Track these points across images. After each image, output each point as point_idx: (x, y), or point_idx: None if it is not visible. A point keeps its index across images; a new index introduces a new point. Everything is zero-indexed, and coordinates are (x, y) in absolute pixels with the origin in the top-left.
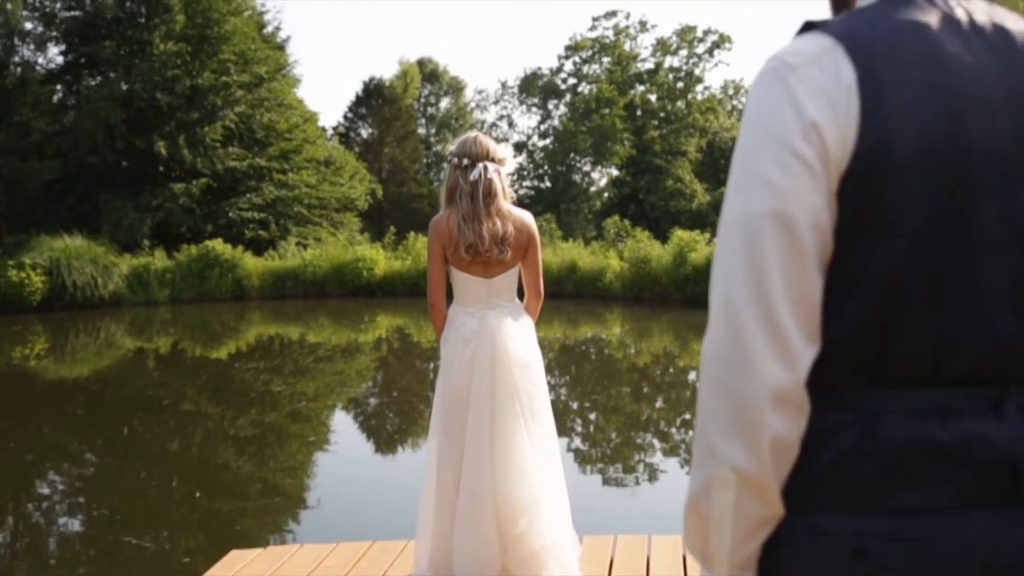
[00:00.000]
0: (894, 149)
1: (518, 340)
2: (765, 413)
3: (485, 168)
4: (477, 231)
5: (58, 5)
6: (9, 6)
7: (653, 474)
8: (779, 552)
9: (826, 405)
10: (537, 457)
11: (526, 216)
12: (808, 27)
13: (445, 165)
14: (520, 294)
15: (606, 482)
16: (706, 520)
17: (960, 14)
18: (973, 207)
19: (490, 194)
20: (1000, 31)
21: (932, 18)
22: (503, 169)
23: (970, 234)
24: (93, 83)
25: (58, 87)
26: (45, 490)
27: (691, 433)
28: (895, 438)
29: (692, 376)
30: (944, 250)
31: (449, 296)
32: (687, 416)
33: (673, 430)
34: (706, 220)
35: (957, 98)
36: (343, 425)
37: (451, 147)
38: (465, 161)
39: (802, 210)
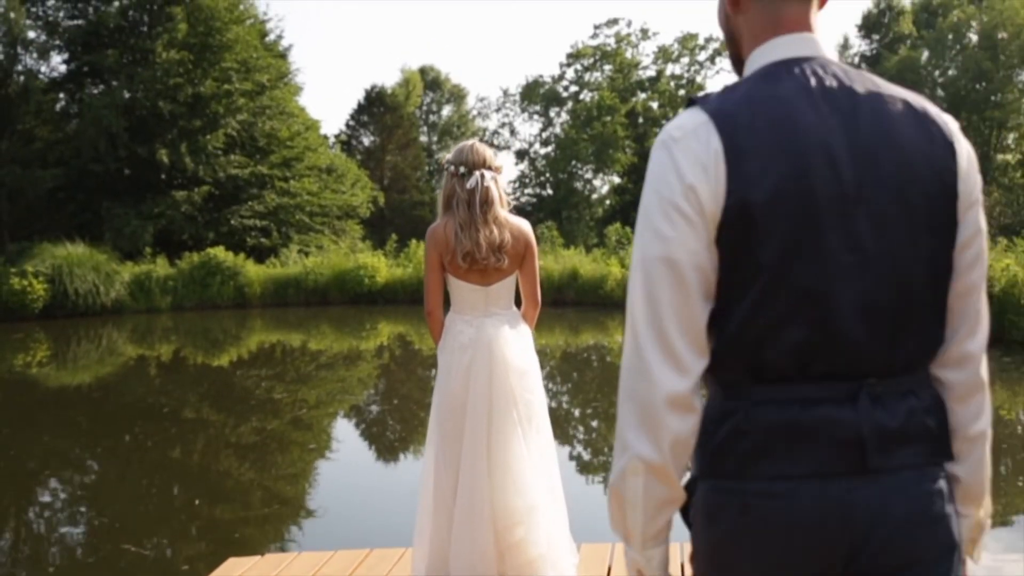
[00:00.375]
0: (753, 203)
1: (515, 348)
2: (663, 414)
3: (482, 176)
4: (474, 239)
5: (61, 14)
6: (13, 15)
7: None
8: (694, 507)
9: (722, 397)
10: (534, 465)
11: (523, 224)
12: (691, 103)
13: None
14: (518, 302)
15: (607, 490)
16: (622, 502)
17: (813, 83)
18: (823, 241)
19: (487, 202)
20: (848, 93)
21: (788, 90)
22: (500, 177)
23: (823, 263)
24: (96, 91)
25: (61, 95)
26: (46, 497)
27: None
28: (768, 422)
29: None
30: (802, 278)
31: (446, 304)
32: None
33: None
34: None
35: (804, 156)
36: (344, 433)
37: (448, 155)
38: (462, 169)
39: (685, 255)
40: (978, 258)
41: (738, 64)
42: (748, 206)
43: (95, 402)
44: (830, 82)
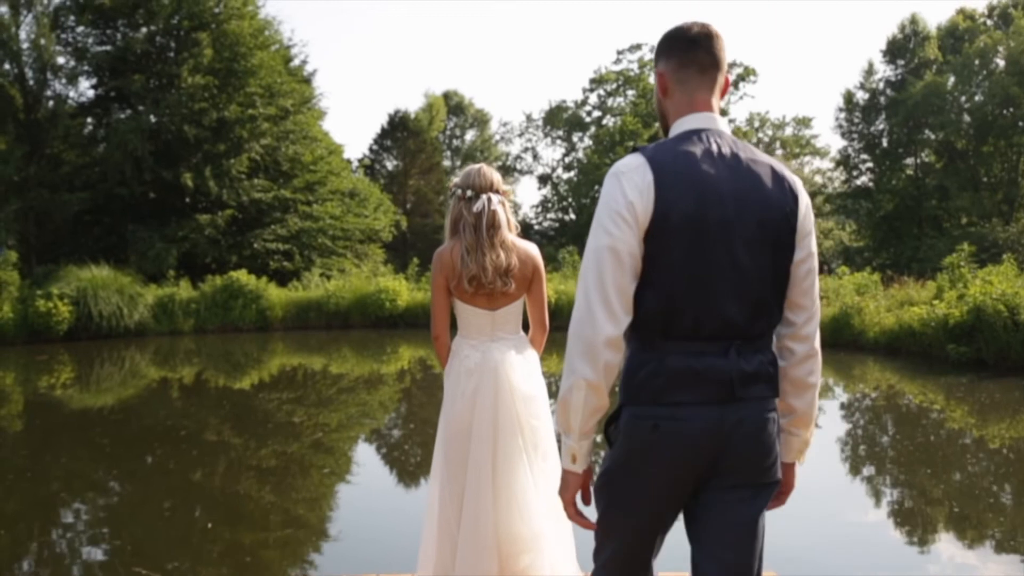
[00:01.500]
0: (668, 219)
1: (521, 373)
2: (601, 349)
3: (489, 199)
4: (480, 263)
5: (90, 40)
6: (43, 41)
7: None
8: (617, 427)
9: (643, 349)
10: (540, 492)
11: (531, 248)
12: (634, 150)
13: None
14: (525, 327)
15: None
16: (568, 408)
17: (712, 147)
18: (710, 251)
19: (494, 225)
20: (734, 155)
21: (697, 150)
22: (507, 201)
23: (709, 265)
24: (123, 116)
25: (89, 120)
26: (69, 519)
27: None
28: (673, 367)
29: None
30: (697, 272)
31: (453, 328)
32: None
33: None
34: None
35: (703, 194)
36: (365, 456)
37: (455, 178)
38: (469, 192)
39: (624, 246)
40: (810, 271)
41: (665, 129)
42: (666, 221)
43: (117, 424)
44: (723, 148)
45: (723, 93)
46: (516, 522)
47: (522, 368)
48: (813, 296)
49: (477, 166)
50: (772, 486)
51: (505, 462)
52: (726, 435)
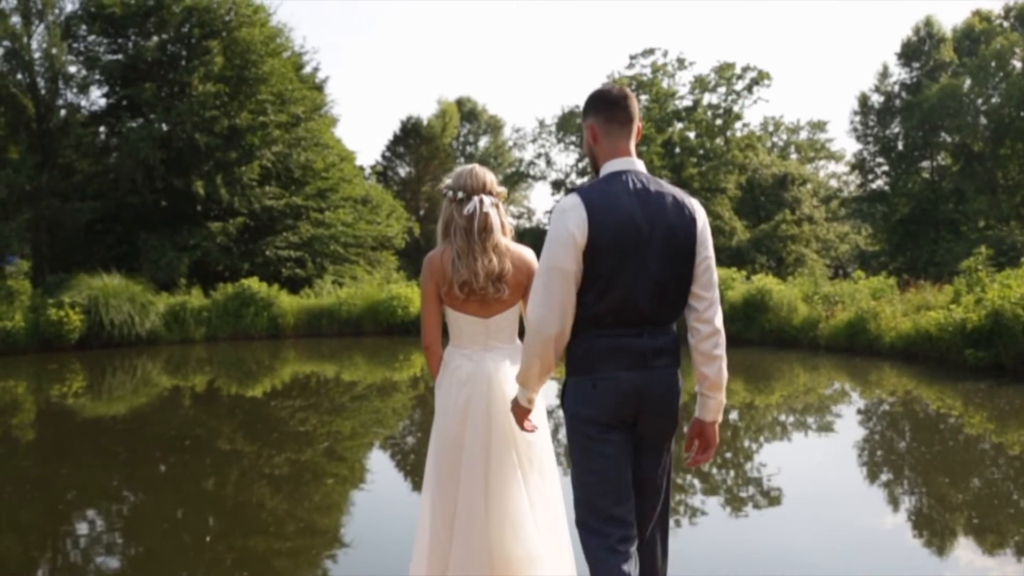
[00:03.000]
0: (599, 244)
1: (515, 385)
2: (553, 340)
3: (481, 201)
4: (472, 268)
5: (101, 49)
6: (54, 51)
7: (693, 515)
8: (565, 390)
9: (582, 336)
10: (537, 510)
11: (526, 252)
12: (571, 191)
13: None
14: (522, 335)
15: (519, 375)
16: (529, 378)
17: (631, 185)
18: (628, 264)
19: (486, 229)
20: (646, 190)
21: (619, 187)
22: (502, 203)
23: (628, 274)
24: (134, 124)
25: (101, 129)
26: (83, 527)
27: (732, 473)
28: (604, 345)
29: (733, 416)
30: (620, 280)
31: (446, 337)
32: (728, 455)
33: (713, 470)
34: (746, 257)
35: (623, 222)
36: (379, 464)
37: (447, 180)
38: (460, 194)
39: (569, 266)
40: (707, 268)
41: (596, 168)
42: (597, 245)
43: (130, 432)
44: (639, 184)
45: (637, 137)
46: (510, 541)
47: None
48: (711, 288)
49: (469, 167)
50: (672, 432)
51: (499, 478)
52: (644, 393)
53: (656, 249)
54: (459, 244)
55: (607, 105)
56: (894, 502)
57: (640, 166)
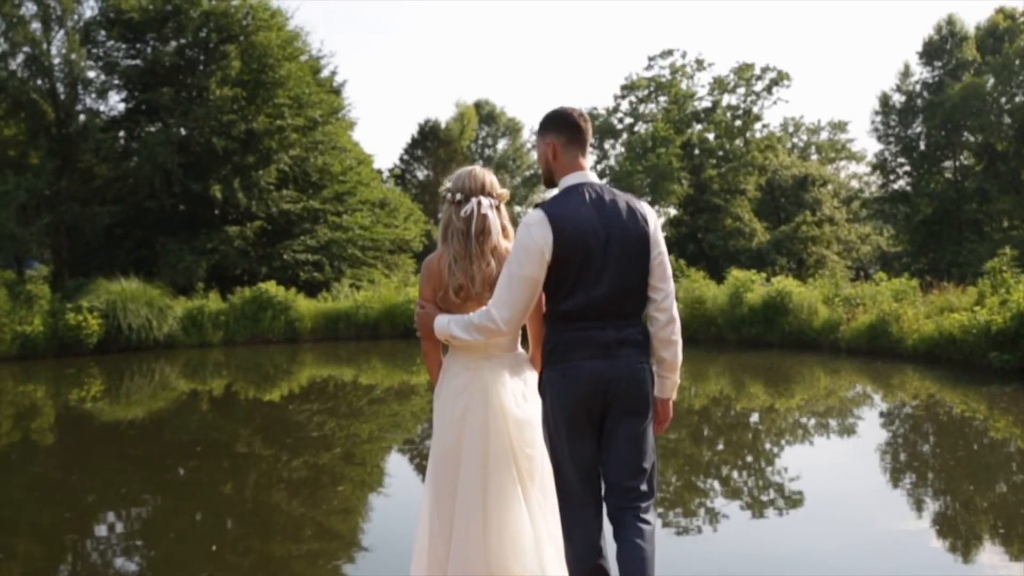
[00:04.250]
0: (564, 252)
1: (515, 396)
2: (503, 334)
3: (479, 203)
4: (468, 272)
5: (119, 54)
6: (74, 56)
7: (713, 517)
8: (541, 381)
9: (552, 331)
10: (539, 526)
11: None
12: (538, 206)
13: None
14: (524, 343)
15: (667, 526)
16: (460, 339)
17: (587, 196)
18: (591, 266)
19: (483, 231)
20: (602, 199)
21: (577, 200)
22: (503, 205)
23: (591, 275)
24: (152, 129)
25: (120, 134)
26: (102, 531)
27: (753, 476)
28: (571, 338)
29: (754, 419)
30: (584, 282)
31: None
32: (748, 459)
33: (734, 473)
34: (766, 259)
35: (584, 231)
36: (397, 467)
37: (447, 181)
38: (458, 196)
39: (535, 274)
40: (660, 263)
41: (552, 181)
42: (562, 253)
43: (148, 436)
44: (595, 195)
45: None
46: (509, 561)
47: (516, 390)
48: (666, 280)
49: (469, 168)
50: (646, 415)
51: (497, 493)
52: (609, 379)
53: (614, 251)
54: (456, 247)
55: (569, 127)
56: (917, 506)
57: (594, 178)
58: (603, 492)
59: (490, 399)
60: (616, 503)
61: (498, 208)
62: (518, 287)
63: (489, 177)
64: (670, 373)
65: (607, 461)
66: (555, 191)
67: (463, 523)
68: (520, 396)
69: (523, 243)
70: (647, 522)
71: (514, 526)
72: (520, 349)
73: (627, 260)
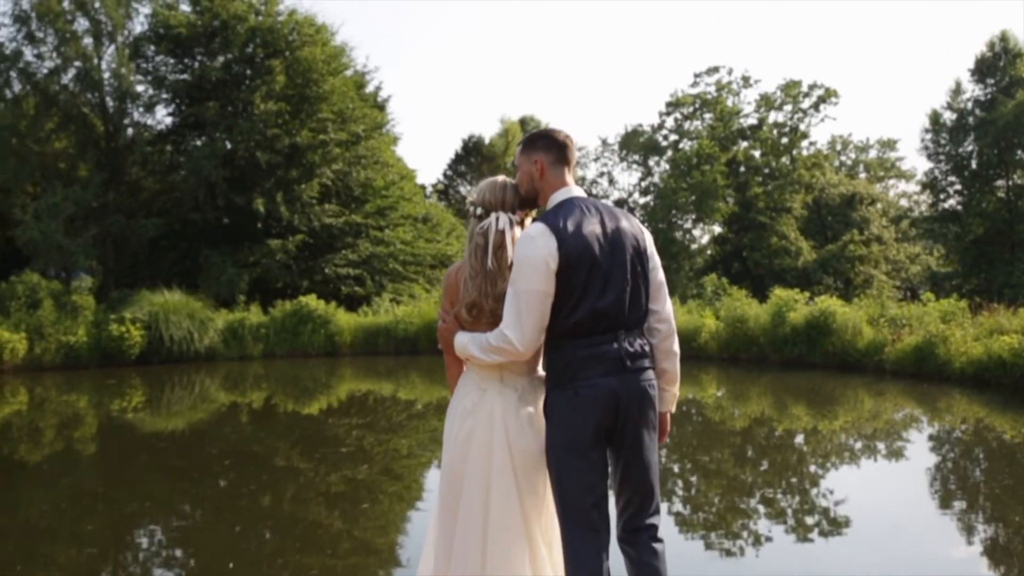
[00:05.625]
0: (570, 264)
1: (522, 426)
2: (520, 355)
3: (497, 219)
4: (482, 289)
5: (167, 69)
6: (123, 70)
7: (757, 540)
8: (548, 402)
9: (560, 347)
10: (538, 559)
11: None
12: (536, 219)
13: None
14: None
15: (709, 548)
16: (477, 359)
17: (586, 210)
18: (595, 278)
19: (501, 248)
20: (600, 213)
21: (577, 213)
22: (528, 220)
23: (596, 286)
24: (198, 143)
25: (167, 147)
26: (143, 541)
27: (796, 499)
28: (580, 354)
29: (797, 440)
30: (591, 294)
31: None
32: (792, 481)
33: (778, 495)
34: (812, 278)
35: (588, 243)
36: (436, 483)
37: (472, 192)
38: (479, 210)
39: (544, 287)
40: (656, 277)
41: (540, 197)
42: (568, 265)
43: (189, 448)
44: (591, 208)
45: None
46: None
47: (524, 416)
48: (664, 292)
49: (493, 179)
50: (655, 432)
51: (498, 531)
52: (622, 396)
53: (618, 257)
54: (472, 263)
55: (557, 147)
56: (966, 533)
57: (582, 193)
58: (614, 514)
59: (494, 425)
60: (630, 525)
61: (521, 223)
62: (528, 303)
63: (513, 191)
64: (671, 385)
65: (620, 483)
66: (550, 205)
67: (462, 548)
68: (527, 422)
69: (527, 256)
70: (660, 540)
71: (515, 557)
72: (540, 372)
73: (629, 270)
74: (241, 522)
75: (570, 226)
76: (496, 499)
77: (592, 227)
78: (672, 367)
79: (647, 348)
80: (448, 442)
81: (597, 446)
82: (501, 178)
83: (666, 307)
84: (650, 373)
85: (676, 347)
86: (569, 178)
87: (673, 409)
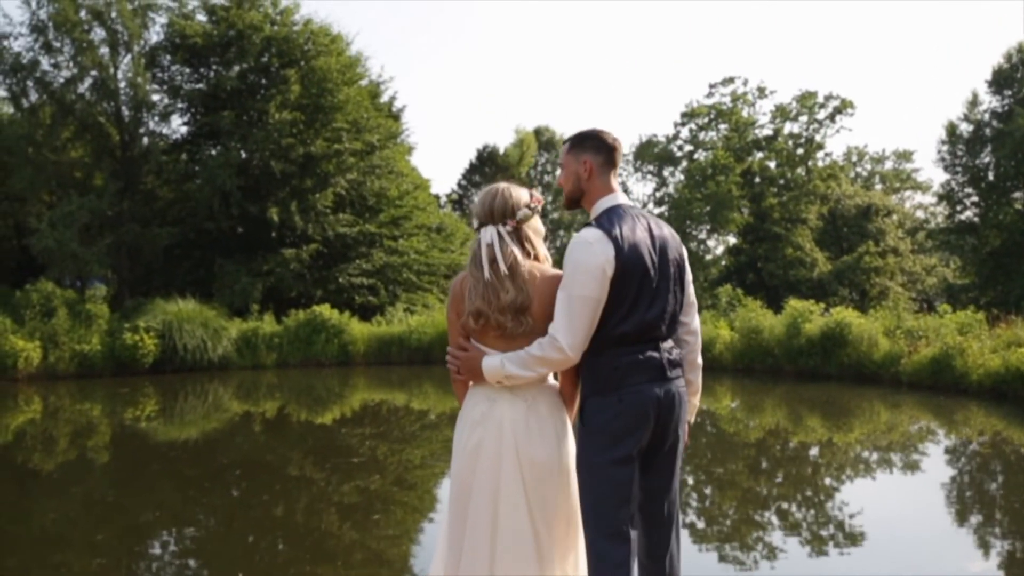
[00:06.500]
0: (624, 272)
1: (532, 436)
2: (569, 363)
3: (487, 231)
4: (486, 297)
5: (183, 78)
6: (139, 79)
7: (771, 553)
8: (586, 410)
9: (607, 352)
10: (548, 572)
11: (556, 278)
12: (588, 225)
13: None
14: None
15: (723, 560)
16: (526, 378)
17: (635, 218)
18: (646, 287)
19: (493, 262)
20: (647, 221)
21: (629, 221)
22: (527, 227)
23: (645, 296)
24: (213, 152)
25: (182, 156)
26: (156, 550)
27: (812, 512)
28: (625, 361)
29: (812, 452)
30: (640, 302)
31: None
32: (807, 493)
33: (792, 507)
34: (828, 289)
35: (639, 252)
36: (449, 494)
37: (475, 199)
38: (475, 222)
39: (599, 294)
40: (689, 287)
41: (581, 199)
42: (623, 273)
43: (202, 457)
44: (639, 217)
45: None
46: None
47: (535, 429)
48: (695, 304)
49: (487, 189)
50: (682, 440)
51: (506, 541)
52: (663, 404)
53: (665, 272)
54: (472, 272)
55: (607, 148)
56: (983, 547)
57: (628, 200)
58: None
59: (503, 438)
60: (653, 534)
61: (515, 230)
62: (580, 309)
63: (500, 201)
64: (693, 396)
65: (647, 491)
66: (598, 210)
67: (470, 558)
68: (536, 432)
69: (583, 262)
70: (678, 547)
71: (524, 568)
72: (552, 381)
73: (674, 281)
74: (253, 532)
75: (625, 235)
76: (504, 509)
77: (643, 237)
78: (696, 379)
79: (681, 357)
80: (457, 452)
81: (635, 453)
82: (496, 186)
83: (695, 319)
84: (683, 381)
85: (700, 358)
86: (615, 183)
87: (693, 419)
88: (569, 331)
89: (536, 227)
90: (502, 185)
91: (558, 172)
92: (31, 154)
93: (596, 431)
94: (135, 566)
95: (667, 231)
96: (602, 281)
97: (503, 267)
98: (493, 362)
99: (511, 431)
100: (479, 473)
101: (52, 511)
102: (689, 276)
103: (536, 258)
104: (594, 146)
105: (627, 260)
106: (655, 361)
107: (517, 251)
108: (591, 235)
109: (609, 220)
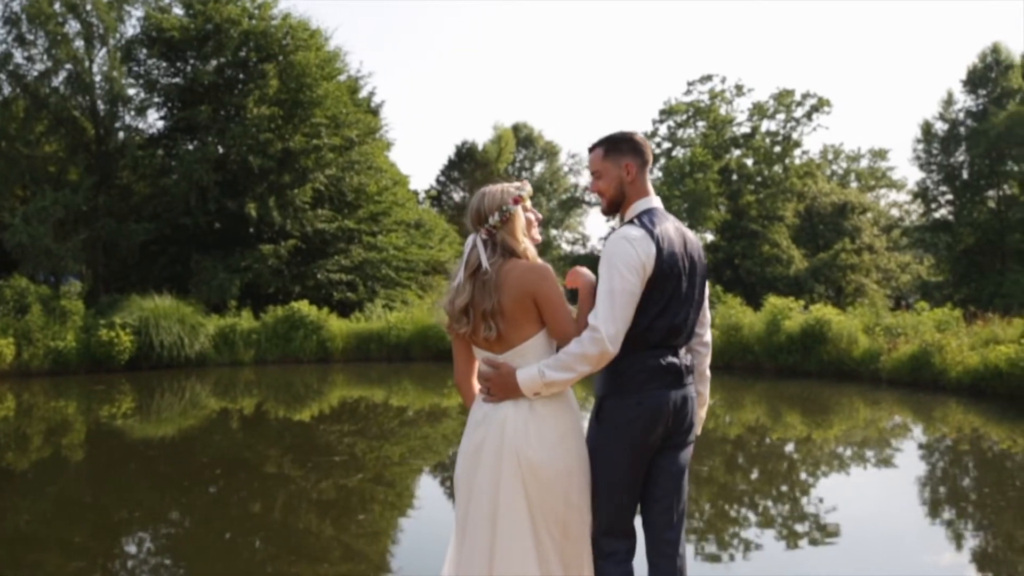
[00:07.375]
0: (662, 272)
1: (532, 437)
2: (607, 360)
3: (470, 238)
4: (456, 304)
5: (159, 72)
6: (115, 73)
7: (747, 548)
8: (603, 409)
9: (632, 353)
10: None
11: (527, 272)
12: (631, 222)
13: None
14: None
15: (698, 554)
16: (567, 382)
17: (669, 221)
18: (678, 290)
19: (476, 268)
20: (676, 224)
21: (666, 223)
22: (509, 225)
23: (676, 300)
24: (190, 147)
25: (158, 151)
26: (131, 548)
27: (787, 506)
28: (649, 365)
29: (789, 448)
30: (670, 304)
31: None
32: (783, 489)
33: (768, 503)
34: (804, 286)
35: (674, 253)
36: (428, 490)
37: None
38: (468, 227)
39: (636, 287)
40: (706, 300)
41: (621, 201)
42: (659, 273)
43: (178, 454)
44: (670, 220)
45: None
46: None
47: (536, 430)
48: (708, 316)
49: (479, 192)
50: (690, 447)
51: (505, 547)
52: (678, 409)
53: (693, 279)
54: (457, 279)
55: (644, 151)
56: (956, 542)
57: (660, 203)
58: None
59: (504, 440)
60: (658, 536)
61: (490, 235)
62: (623, 301)
63: (476, 207)
64: (702, 407)
65: (653, 496)
66: (636, 211)
67: (469, 560)
68: (536, 435)
69: (626, 257)
70: (684, 549)
71: (522, 567)
72: None
73: (697, 286)
74: (231, 530)
75: (664, 236)
76: (504, 509)
77: (676, 239)
78: (705, 391)
79: (692, 364)
80: (460, 451)
81: (647, 457)
82: (481, 190)
83: (708, 332)
84: (694, 389)
85: (709, 371)
86: (650, 186)
87: (699, 432)
88: (611, 320)
89: (515, 226)
90: (482, 190)
91: (539, 165)
92: (4, 148)
93: (612, 431)
94: (111, 565)
95: (695, 240)
96: (642, 277)
97: (483, 268)
98: (529, 373)
99: (512, 432)
100: (480, 473)
101: (26, 510)
102: (707, 289)
103: (524, 256)
104: (631, 148)
105: (665, 262)
106: (675, 367)
107: (484, 256)
108: (634, 232)
109: (651, 220)
